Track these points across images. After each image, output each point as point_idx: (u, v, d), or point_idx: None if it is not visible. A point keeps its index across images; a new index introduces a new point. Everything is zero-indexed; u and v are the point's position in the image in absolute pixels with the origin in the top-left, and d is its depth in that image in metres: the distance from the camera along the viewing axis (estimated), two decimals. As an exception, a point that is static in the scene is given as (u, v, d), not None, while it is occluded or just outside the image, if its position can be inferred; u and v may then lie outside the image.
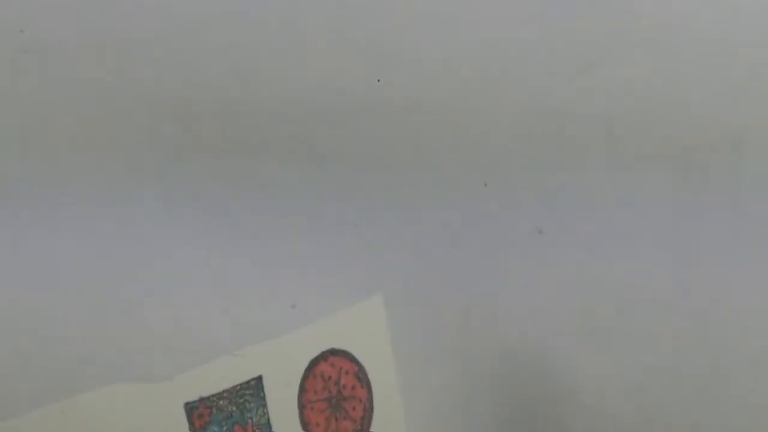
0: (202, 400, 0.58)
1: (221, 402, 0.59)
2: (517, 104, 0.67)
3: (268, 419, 0.61)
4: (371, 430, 0.66)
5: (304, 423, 0.63)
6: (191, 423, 0.58)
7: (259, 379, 0.60)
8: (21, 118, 0.65)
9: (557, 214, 0.69)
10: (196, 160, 0.67)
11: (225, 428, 0.59)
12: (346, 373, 0.65)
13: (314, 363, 0.63)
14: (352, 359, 0.65)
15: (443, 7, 0.66)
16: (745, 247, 0.69)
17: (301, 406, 0.62)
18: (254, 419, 0.60)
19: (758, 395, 0.71)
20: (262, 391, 0.60)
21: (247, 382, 0.60)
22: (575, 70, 0.66)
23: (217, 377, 0.58)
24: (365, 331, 0.65)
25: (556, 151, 0.67)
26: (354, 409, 0.65)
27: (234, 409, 0.59)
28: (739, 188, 0.67)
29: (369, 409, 0.66)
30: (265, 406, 0.61)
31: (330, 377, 0.64)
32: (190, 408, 0.58)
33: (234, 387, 0.59)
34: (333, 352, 0.64)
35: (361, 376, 0.65)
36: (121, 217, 0.68)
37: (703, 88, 0.66)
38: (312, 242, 0.69)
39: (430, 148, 0.68)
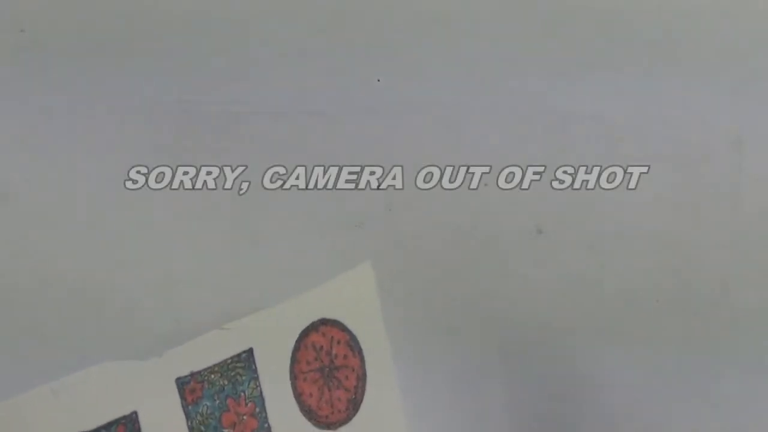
0: (193, 375, 0.58)
1: (212, 376, 0.59)
2: (517, 104, 0.67)
3: (261, 391, 0.61)
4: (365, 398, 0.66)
5: (297, 394, 0.62)
6: (183, 398, 0.58)
7: (250, 351, 0.60)
8: (21, 117, 0.66)
9: (557, 214, 0.69)
10: (196, 161, 0.67)
11: (217, 402, 0.59)
12: (338, 342, 0.64)
13: (305, 334, 0.63)
14: (343, 328, 0.65)
15: (443, 7, 0.66)
16: (745, 247, 0.69)
17: (294, 377, 0.62)
18: (246, 392, 0.60)
19: (758, 395, 0.71)
20: (254, 363, 0.60)
21: (238, 355, 0.60)
22: (575, 70, 0.66)
23: (207, 351, 0.58)
24: (355, 300, 0.65)
25: (556, 151, 0.67)
26: (347, 377, 0.65)
27: (225, 382, 0.59)
28: (739, 188, 0.67)
29: (362, 378, 0.66)
30: (257, 378, 0.60)
31: (321, 347, 0.64)
32: (182, 383, 0.57)
33: (224, 360, 0.59)
34: (324, 322, 0.64)
35: (353, 344, 0.65)
36: (121, 216, 0.68)
37: (703, 88, 0.66)
38: (312, 242, 0.69)
39: (430, 148, 0.68)
